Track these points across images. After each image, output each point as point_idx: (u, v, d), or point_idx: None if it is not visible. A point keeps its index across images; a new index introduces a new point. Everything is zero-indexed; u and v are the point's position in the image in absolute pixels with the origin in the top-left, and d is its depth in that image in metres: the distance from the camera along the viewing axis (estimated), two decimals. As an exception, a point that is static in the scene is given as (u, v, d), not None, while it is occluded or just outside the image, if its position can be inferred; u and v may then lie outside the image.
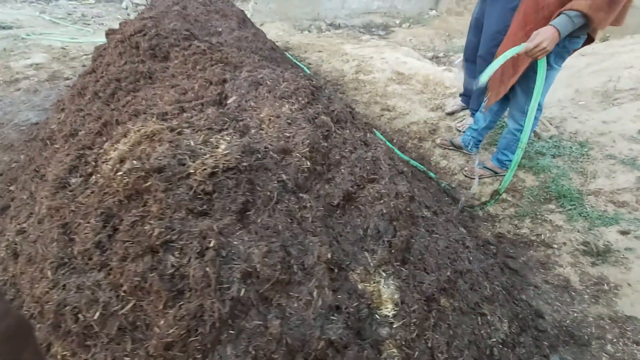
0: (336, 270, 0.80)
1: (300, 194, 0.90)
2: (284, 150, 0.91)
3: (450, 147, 2.67)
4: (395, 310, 0.87)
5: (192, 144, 0.82)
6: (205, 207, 0.73)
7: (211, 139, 0.87)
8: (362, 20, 7.35)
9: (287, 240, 0.76)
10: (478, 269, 1.43)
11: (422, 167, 2.53)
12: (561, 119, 2.70)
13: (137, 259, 0.68)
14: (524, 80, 2.00)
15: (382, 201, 0.95)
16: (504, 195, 2.29)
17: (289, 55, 4.44)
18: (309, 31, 6.74)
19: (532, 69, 1.92)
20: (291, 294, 0.71)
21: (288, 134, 0.96)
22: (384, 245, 0.92)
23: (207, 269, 0.64)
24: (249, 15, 6.84)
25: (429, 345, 0.86)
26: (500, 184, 2.01)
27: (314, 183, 0.93)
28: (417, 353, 0.84)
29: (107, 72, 1.69)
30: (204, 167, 0.74)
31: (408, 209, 1.07)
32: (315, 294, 0.74)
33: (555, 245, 1.97)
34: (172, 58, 1.71)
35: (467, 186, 2.41)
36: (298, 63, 4.25)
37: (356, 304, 0.81)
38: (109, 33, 2.18)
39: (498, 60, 1.63)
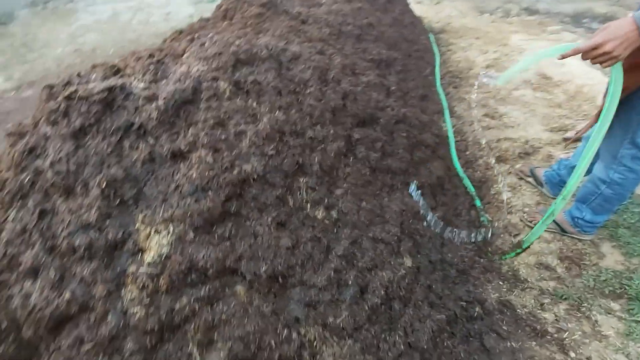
0: (117, 203, 0.96)
1: (149, 137, 1.06)
2: (149, 98, 1.08)
3: (529, 178, 2.03)
4: (154, 259, 0.96)
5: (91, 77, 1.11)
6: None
7: (111, 78, 1.14)
8: (576, 7, 5.76)
9: (92, 164, 0.97)
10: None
11: (473, 189, 2.07)
12: None
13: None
14: (622, 110, 1.31)
15: (197, 167, 1.00)
16: (552, 261, 1.65)
17: (431, 37, 4.09)
18: (491, 14, 5.86)
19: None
20: (70, 204, 0.94)
21: (179, 87, 1.11)
22: (185, 206, 0.99)
23: None
24: (433, -7, 6.41)
25: (164, 310, 0.92)
26: (527, 236, 1.48)
27: (163, 132, 1.06)
28: (152, 309, 0.93)
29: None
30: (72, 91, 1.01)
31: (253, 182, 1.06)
32: (83, 210, 0.93)
33: (574, 355, 1.34)
34: (234, 19, 2.04)
35: (514, 232, 1.83)
36: (435, 47, 3.90)
37: (121, 234, 0.95)
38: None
39: (525, 61, 1.17)
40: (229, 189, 1.03)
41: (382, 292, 1.22)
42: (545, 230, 1.78)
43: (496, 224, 1.91)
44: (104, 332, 0.91)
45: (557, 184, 1.84)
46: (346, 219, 1.29)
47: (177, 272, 0.95)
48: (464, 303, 1.55)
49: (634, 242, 1.57)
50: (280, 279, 1.06)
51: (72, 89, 1.04)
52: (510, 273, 1.67)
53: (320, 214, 1.22)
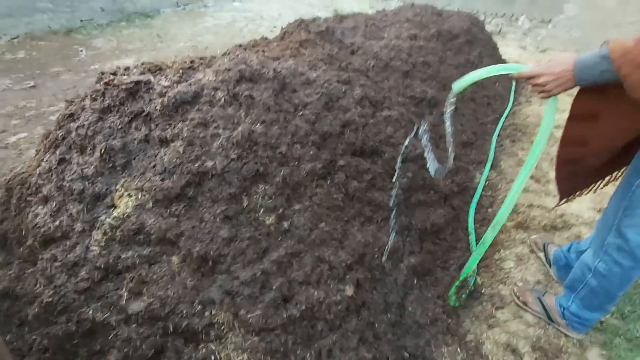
0: (109, 166, 1.26)
1: (150, 124, 1.36)
2: (161, 94, 1.37)
3: (540, 253, 1.83)
4: (118, 214, 1.22)
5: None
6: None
7: (145, 74, 1.47)
8: None
9: (104, 134, 1.29)
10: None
11: (474, 245, 1.95)
12: None
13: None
14: (620, 186, 1.17)
15: (171, 153, 1.24)
16: (522, 347, 1.47)
17: (513, 85, 3.84)
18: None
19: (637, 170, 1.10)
20: (80, 159, 1.27)
21: (183, 89, 1.39)
22: (153, 182, 1.24)
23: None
24: (538, 39, 5.89)
25: (113, 256, 1.18)
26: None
27: (161, 122, 1.35)
28: (105, 252, 1.20)
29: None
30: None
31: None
32: (86, 165, 1.26)
33: None
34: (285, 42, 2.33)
35: (497, 303, 1.68)
36: (512, 96, 3.68)
37: (104, 190, 1.24)
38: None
39: (479, 72, 1.12)
40: (189, 177, 1.25)
41: (304, 308, 1.30)
42: (531, 314, 1.60)
43: (484, 290, 1.77)
44: (71, 257, 1.20)
45: (563, 267, 1.63)
46: (295, 232, 1.40)
47: (129, 230, 1.20)
48: (407, 354, 1.50)
49: (628, 358, 1.32)
50: (210, 262, 1.24)
51: (112, 77, 1.39)
52: (473, 344, 1.55)
53: (269, 220, 1.36)
